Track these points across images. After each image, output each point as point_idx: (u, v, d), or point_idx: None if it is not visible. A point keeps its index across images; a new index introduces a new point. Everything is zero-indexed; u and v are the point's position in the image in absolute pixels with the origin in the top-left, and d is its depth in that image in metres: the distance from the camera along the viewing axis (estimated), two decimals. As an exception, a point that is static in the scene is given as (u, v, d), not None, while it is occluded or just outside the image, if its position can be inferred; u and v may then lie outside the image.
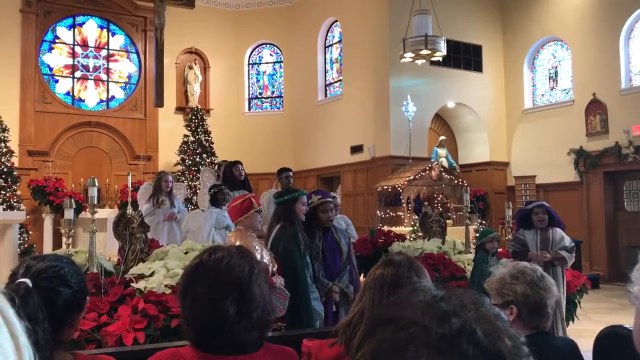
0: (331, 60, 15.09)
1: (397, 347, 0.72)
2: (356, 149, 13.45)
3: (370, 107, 13.13)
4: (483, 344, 0.70)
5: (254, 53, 16.59)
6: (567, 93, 13.12)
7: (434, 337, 0.70)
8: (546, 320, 2.30)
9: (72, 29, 14.45)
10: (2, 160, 11.63)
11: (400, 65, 11.94)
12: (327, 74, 15.19)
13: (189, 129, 14.26)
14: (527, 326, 2.24)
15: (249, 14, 16.08)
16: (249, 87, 16.56)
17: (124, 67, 15.00)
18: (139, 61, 15.00)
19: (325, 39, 15.22)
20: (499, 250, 5.94)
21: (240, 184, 7.27)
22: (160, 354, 1.60)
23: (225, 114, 15.68)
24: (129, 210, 5.17)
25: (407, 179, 11.34)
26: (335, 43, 14.88)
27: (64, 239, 5.71)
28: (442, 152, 13.01)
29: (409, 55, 10.66)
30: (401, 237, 7.66)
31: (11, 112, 12.86)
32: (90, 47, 14.67)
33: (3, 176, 11.54)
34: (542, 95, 13.78)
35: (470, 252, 7.14)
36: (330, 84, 15.05)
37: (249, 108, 16.53)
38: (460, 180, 11.93)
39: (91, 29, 14.70)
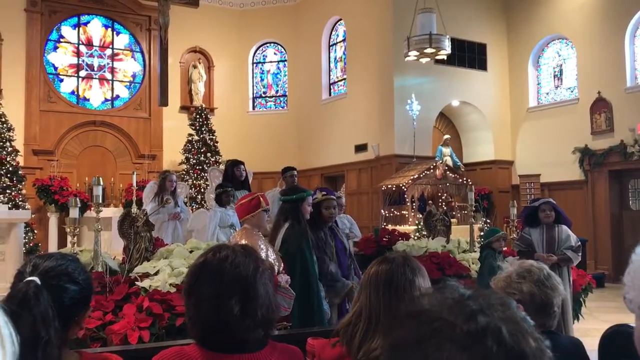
0: (335, 58, 15.08)
1: (420, 340, 0.73)
2: (360, 148, 13.44)
3: (374, 105, 13.12)
4: (508, 343, 0.70)
5: (258, 52, 16.59)
6: (572, 91, 13.08)
7: (458, 332, 0.71)
8: (552, 319, 2.29)
9: (76, 28, 14.48)
10: (8, 159, 11.66)
11: (405, 64, 11.93)
12: (331, 72, 15.18)
13: (194, 128, 14.27)
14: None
15: (253, 12, 16.08)
16: (253, 86, 16.57)
17: (129, 66, 15.03)
18: (144, 60, 15.03)
19: (330, 37, 15.21)
20: (504, 249, 5.92)
21: (241, 184, 7.28)
22: (165, 352, 1.60)
23: (229, 113, 15.69)
24: (134, 209, 5.19)
25: (412, 177, 11.32)
26: (340, 42, 14.87)
27: (69, 238, 5.72)
28: (447, 150, 12.99)
29: (413, 54, 10.64)
30: (405, 236, 7.66)
31: (16, 111, 12.91)
32: (95, 46, 14.70)
33: (8, 175, 11.57)
34: (547, 93, 13.74)
35: (475, 251, 7.13)
36: (335, 82, 15.04)
37: (253, 107, 16.53)
38: (464, 179, 11.91)
39: (96, 28, 14.73)
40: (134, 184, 9.73)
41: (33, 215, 11.21)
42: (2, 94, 12.81)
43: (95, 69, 14.69)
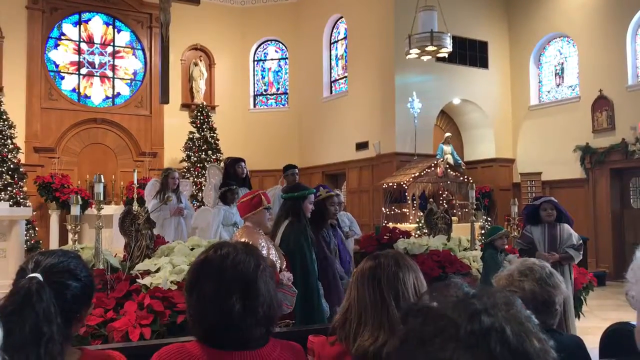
0: (336, 56, 15.07)
1: (424, 338, 0.73)
2: (361, 146, 13.44)
3: (375, 103, 13.11)
4: (511, 344, 0.70)
5: (259, 49, 16.58)
6: (573, 89, 13.07)
7: (462, 332, 0.71)
8: (554, 318, 2.29)
9: (77, 26, 14.48)
10: (9, 156, 11.68)
11: (406, 62, 11.92)
12: (332, 70, 15.17)
13: (195, 125, 14.28)
14: (533, 323, 2.23)
15: (254, 10, 16.08)
16: (254, 83, 16.56)
17: (130, 64, 15.03)
18: (145, 58, 15.03)
19: (331, 35, 15.20)
20: (506, 247, 5.92)
21: (242, 182, 7.28)
22: (166, 348, 1.60)
23: (230, 111, 15.70)
24: (135, 206, 5.19)
25: (413, 175, 11.32)
26: (341, 39, 14.86)
27: (70, 235, 5.74)
28: (448, 148, 12.98)
29: (414, 52, 10.63)
30: (406, 234, 7.65)
31: (17, 108, 12.91)
32: (96, 43, 14.69)
33: (10, 173, 11.59)
34: (548, 91, 13.73)
35: (476, 249, 7.13)
36: (336, 80, 15.03)
37: (254, 105, 16.53)
38: (465, 177, 11.91)
39: (97, 25, 14.73)
40: (135, 182, 9.74)
41: (34, 213, 11.23)
42: (3, 91, 12.83)
43: (97, 66, 14.69)
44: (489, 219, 11.93)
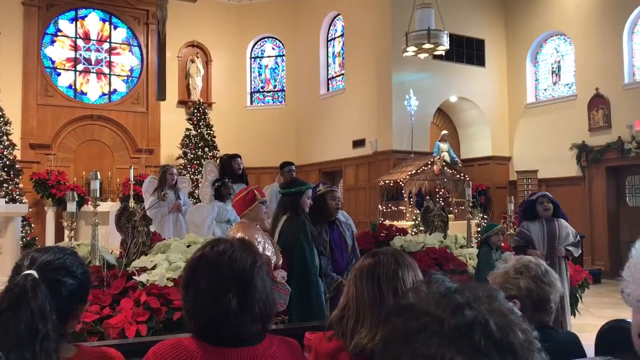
0: (333, 54, 15.06)
1: (408, 335, 0.73)
2: (358, 143, 13.44)
3: (372, 101, 13.11)
4: (495, 336, 0.70)
5: (256, 46, 16.56)
6: (569, 88, 13.09)
7: (446, 327, 0.71)
8: (549, 315, 2.30)
9: (74, 22, 14.43)
10: (5, 153, 11.64)
11: (403, 59, 11.92)
12: (329, 67, 15.17)
13: (191, 122, 14.26)
14: (530, 321, 2.21)
15: (251, 7, 16.05)
16: (251, 80, 16.54)
17: (126, 61, 14.99)
18: (141, 54, 14.99)
19: (328, 32, 15.18)
20: (502, 244, 5.94)
21: (239, 178, 7.27)
22: (162, 344, 1.60)
23: (227, 108, 15.68)
24: (131, 203, 5.18)
25: (409, 173, 11.33)
26: (338, 37, 14.85)
27: (66, 232, 5.72)
28: (444, 146, 12.99)
29: (411, 49, 10.63)
30: (403, 232, 7.66)
31: (13, 105, 12.87)
32: (93, 40, 14.65)
33: (5, 169, 11.55)
34: (545, 89, 13.75)
35: (472, 247, 7.14)
36: (333, 77, 15.02)
37: (251, 102, 16.51)
38: (462, 174, 11.93)
39: (93, 22, 14.68)
40: (132, 179, 9.70)
41: (30, 209, 11.21)
42: (-1, 87, 12.79)
43: (93, 62, 14.64)
44: (485, 216, 11.96)
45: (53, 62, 14.14)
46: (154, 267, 4.66)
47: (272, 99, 16.55)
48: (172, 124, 14.55)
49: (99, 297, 4.11)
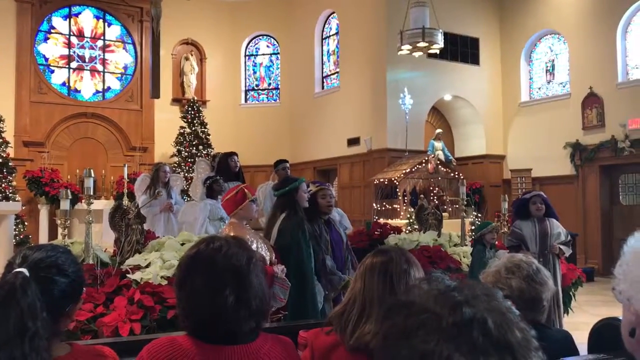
0: (328, 52, 15.05)
1: (407, 331, 0.73)
2: (353, 142, 13.45)
3: (367, 99, 13.12)
4: (493, 334, 0.71)
5: (250, 44, 16.54)
6: (563, 86, 13.13)
7: (445, 324, 0.71)
8: (542, 314, 2.31)
9: (67, 19, 14.37)
10: (-2, 150, 11.58)
11: (398, 58, 11.93)
12: (324, 66, 15.16)
13: (185, 120, 14.23)
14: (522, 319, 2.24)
15: (245, 5, 16.01)
16: (245, 78, 16.52)
17: (120, 58, 14.94)
18: (135, 52, 14.95)
19: (323, 30, 15.17)
20: (496, 242, 5.95)
21: (235, 175, 7.25)
22: (157, 342, 1.60)
23: (221, 106, 15.65)
24: (125, 201, 5.16)
25: (404, 171, 11.35)
26: (333, 35, 14.84)
27: (59, 230, 5.70)
28: (439, 145, 13.02)
29: (406, 48, 10.64)
30: (397, 230, 7.67)
31: (6, 102, 12.81)
32: (86, 37, 14.59)
33: (-2, 167, 11.50)
34: (539, 88, 13.78)
35: (466, 245, 7.16)
36: (327, 76, 15.02)
37: (246, 100, 16.49)
38: (456, 173, 11.96)
39: (87, 19, 14.62)
40: (125, 177, 9.70)
41: (23, 207, 11.15)
42: (-8, 84, 12.73)
43: (87, 60, 14.59)
44: (479, 215, 11.98)
45: (46, 60, 14.07)
46: (147, 265, 4.66)
47: (267, 97, 16.53)
48: (166, 122, 14.51)
49: (93, 296, 4.10)
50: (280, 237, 4.19)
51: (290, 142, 15.47)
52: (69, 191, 5.80)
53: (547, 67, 13.60)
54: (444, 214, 8.85)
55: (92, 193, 5.30)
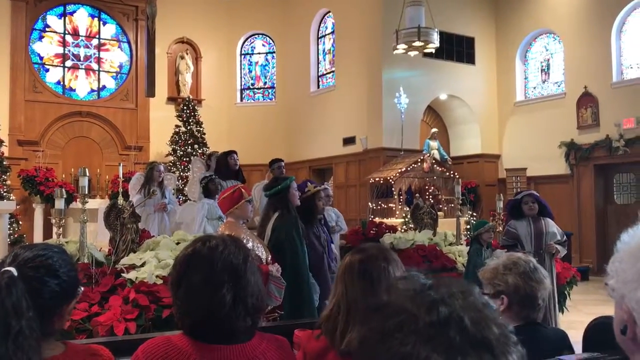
0: (324, 51, 15.05)
1: (385, 334, 0.72)
2: (348, 141, 13.45)
3: (362, 98, 13.12)
4: (470, 332, 0.70)
5: (246, 43, 16.52)
6: (559, 86, 13.16)
7: (421, 324, 0.71)
8: (537, 312, 2.31)
9: (62, 18, 14.32)
10: (-8, 149, 11.54)
11: (393, 57, 11.93)
12: (319, 65, 15.15)
13: (181, 119, 14.20)
14: (517, 317, 2.25)
15: (241, 3, 15.98)
16: (241, 77, 16.50)
17: (115, 57, 14.89)
18: (131, 51, 14.90)
19: (318, 29, 15.17)
20: (492, 241, 5.96)
21: (234, 174, 7.25)
22: (152, 341, 1.59)
23: (217, 105, 15.62)
24: (120, 200, 5.15)
25: (399, 170, 11.35)
26: (328, 34, 14.84)
27: (54, 229, 5.70)
28: (434, 144, 13.03)
29: (401, 47, 10.65)
30: (393, 229, 7.68)
31: (1, 101, 12.77)
32: (81, 36, 14.54)
33: (-7, 166, 11.45)
34: (534, 88, 13.82)
35: (461, 244, 7.17)
36: (323, 75, 15.01)
37: (241, 99, 16.47)
38: (451, 172, 11.97)
39: (82, 17, 14.57)
40: (120, 176, 9.67)
41: (18, 206, 11.11)
42: (-13, 83, 12.67)
43: (82, 59, 14.54)
44: (474, 214, 12.00)
45: (41, 58, 14.02)
46: (143, 265, 4.65)
47: (262, 96, 16.52)
48: (162, 121, 14.48)
49: (88, 295, 4.09)
50: (274, 235, 4.19)
51: (285, 141, 15.46)
52: (63, 190, 5.78)
53: (542, 66, 13.63)
54: (439, 213, 8.87)
55: (87, 192, 5.29)
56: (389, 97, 12.36)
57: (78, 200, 6.33)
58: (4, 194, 11.25)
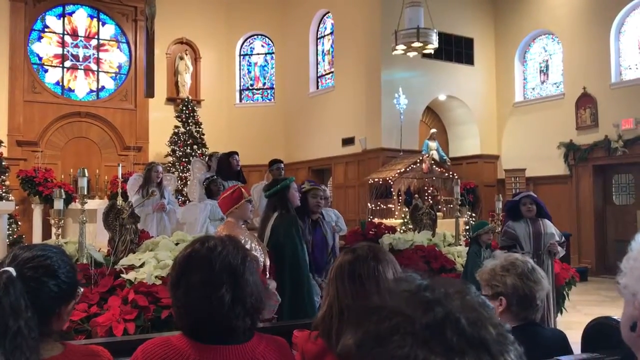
0: (323, 52, 15.05)
1: (381, 337, 0.72)
2: (347, 141, 13.45)
3: (361, 99, 13.12)
4: (467, 333, 0.69)
5: (245, 44, 16.52)
6: (557, 87, 13.18)
7: (418, 326, 0.70)
8: (535, 312, 2.31)
9: (61, 18, 14.32)
10: (-9, 150, 11.52)
11: (392, 58, 11.93)
12: (318, 65, 15.16)
13: (180, 119, 14.19)
14: (516, 318, 2.26)
15: (240, 4, 15.99)
16: (240, 78, 16.50)
17: (114, 57, 14.89)
18: (130, 51, 14.90)
19: (317, 30, 15.17)
20: (492, 242, 5.96)
21: (236, 175, 7.26)
22: (151, 342, 1.60)
23: (216, 105, 15.62)
24: (119, 201, 5.15)
25: (398, 171, 11.36)
26: (327, 35, 14.84)
27: (53, 230, 5.69)
28: (433, 144, 13.03)
29: (400, 48, 10.65)
30: (392, 229, 7.68)
31: (0, 101, 12.73)
32: (80, 36, 14.54)
33: (-8, 166, 11.44)
34: (533, 88, 13.83)
35: (460, 244, 7.17)
36: (322, 75, 15.01)
37: (240, 99, 16.47)
38: (450, 172, 11.97)
39: (81, 18, 14.57)
40: (120, 176, 9.67)
41: (17, 207, 11.09)
42: (-15, 84, 12.66)
43: (81, 59, 14.53)
44: (473, 214, 12.01)
45: (40, 59, 14.01)
46: (142, 265, 4.65)
47: (262, 97, 16.52)
48: (161, 121, 14.48)
49: (87, 295, 4.09)
50: (274, 235, 4.19)
51: (284, 142, 15.46)
52: (62, 191, 5.78)
53: (541, 67, 13.64)
54: (438, 213, 8.87)
55: (86, 193, 5.29)
56: (388, 97, 12.37)
57: (77, 200, 6.34)
58: (3, 194, 11.24)
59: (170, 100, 15.11)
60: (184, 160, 13.64)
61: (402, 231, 8.43)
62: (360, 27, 13.20)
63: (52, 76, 14.13)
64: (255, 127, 15.58)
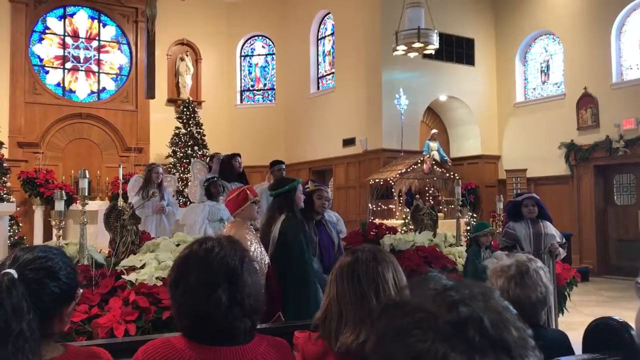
0: (324, 52, 15.06)
1: (402, 331, 0.73)
2: (348, 142, 13.45)
3: (362, 100, 13.13)
4: (489, 333, 0.70)
5: (246, 45, 16.53)
6: (558, 87, 13.17)
7: (441, 323, 0.71)
8: (535, 317, 2.31)
9: (62, 20, 14.33)
10: (-8, 151, 11.53)
11: (393, 58, 11.94)
12: (319, 66, 15.16)
13: (181, 121, 14.20)
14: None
15: (241, 5, 16.00)
16: (241, 79, 16.51)
17: (115, 59, 14.90)
18: (130, 52, 14.91)
19: (318, 31, 15.18)
20: (492, 242, 5.96)
21: (238, 177, 7.26)
22: (152, 343, 1.60)
23: (217, 106, 15.63)
24: (120, 202, 5.15)
25: (399, 172, 11.36)
26: (328, 35, 14.85)
27: (54, 231, 5.68)
28: (434, 145, 13.03)
29: (401, 48, 10.65)
30: (393, 230, 7.67)
31: (1, 103, 12.78)
32: (81, 38, 14.55)
33: (-7, 168, 11.44)
34: (534, 89, 13.82)
35: (461, 245, 7.17)
36: (323, 76, 15.02)
37: (241, 100, 16.48)
38: (451, 173, 11.97)
39: (82, 19, 14.58)
40: (120, 177, 9.67)
41: (18, 208, 11.10)
42: (-14, 85, 12.67)
43: (82, 60, 14.55)
44: (474, 215, 12.00)
45: (41, 60, 14.03)
46: (143, 266, 4.64)
47: (262, 98, 16.53)
48: (162, 123, 14.48)
49: (88, 297, 4.09)
50: (282, 239, 4.16)
51: (285, 143, 15.47)
52: (63, 192, 5.78)
53: (541, 67, 13.64)
54: (439, 214, 8.86)
55: (87, 194, 5.28)
56: (389, 98, 12.37)
57: (78, 202, 6.32)
58: (4, 195, 11.23)
59: (171, 101, 15.12)
60: (184, 161, 13.65)
61: (403, 232, 8.42)
62: (361, 27, 13.21)
63: (53, 77, 14.14)
64: (256, 128, 15.59)
